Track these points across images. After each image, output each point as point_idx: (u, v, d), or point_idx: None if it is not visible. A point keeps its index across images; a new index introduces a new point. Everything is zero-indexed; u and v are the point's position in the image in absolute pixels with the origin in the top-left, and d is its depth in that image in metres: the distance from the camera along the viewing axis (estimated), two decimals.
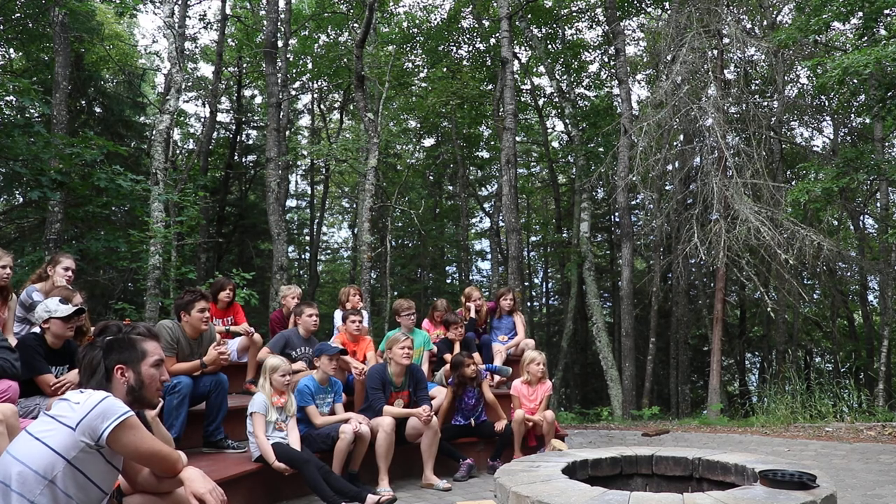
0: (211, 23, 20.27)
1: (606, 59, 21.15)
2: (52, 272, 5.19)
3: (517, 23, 17.69)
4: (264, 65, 15.42)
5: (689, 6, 13.12)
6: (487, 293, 17.24)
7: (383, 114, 17.45)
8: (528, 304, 25.39)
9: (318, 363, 5.32)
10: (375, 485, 5.09)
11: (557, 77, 20.16)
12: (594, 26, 20.98)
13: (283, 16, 16.48)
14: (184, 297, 5.10)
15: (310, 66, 22.13)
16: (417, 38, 21.01)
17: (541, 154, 25.93)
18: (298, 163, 24.08)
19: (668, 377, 19.63)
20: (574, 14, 20.67)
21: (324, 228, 29.25)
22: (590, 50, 21.42)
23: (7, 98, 12.37)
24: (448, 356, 6.93)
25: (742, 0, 14.66)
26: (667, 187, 17.56)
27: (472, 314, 7.62)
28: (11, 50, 17.15)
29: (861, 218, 18.87)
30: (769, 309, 12.71)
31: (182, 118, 22.91)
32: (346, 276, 28.11)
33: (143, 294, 12.37)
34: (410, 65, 21.42)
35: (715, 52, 13.23)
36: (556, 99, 20.99)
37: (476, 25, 20.80)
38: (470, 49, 21.40)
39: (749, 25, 15.40)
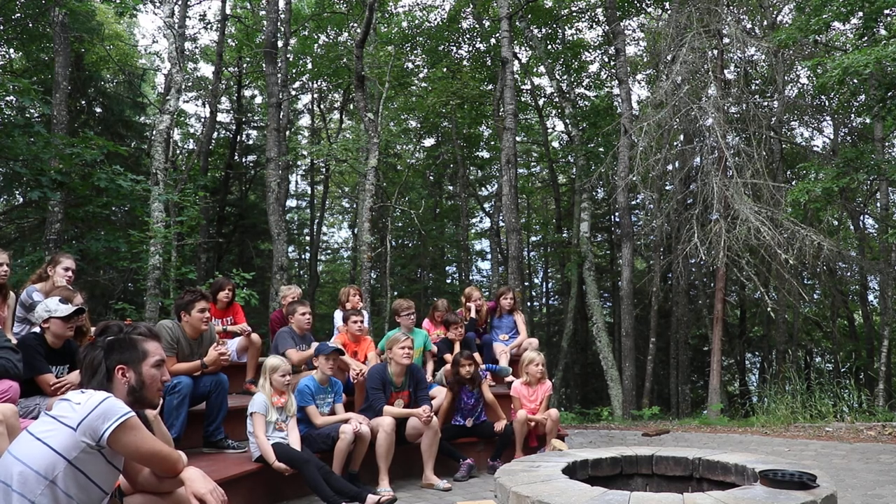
0: (211, 23, 20.28)
1: (606, 59, 21.16)
2: (52, 272, 5.19)
3: (517, 23, 17.69)
4: (264, 65, 15.42)
5: (689, 6, 13.12)
6: (487, 293, 17.24)
7: (383, 114, 17.45)
8: (528, 304, 25.39)
9: (316, 363, 5.32)
10: (376, 485, 5.09)
11: (557, 77, 20.16)
12: (594, 26, 21.00)
13: (283, 16, 16.47)
14: (184, 298, 5.10)
15: (310, 66, 22.13)
16: (417, 38, 21.01)
17: (541, 154, 25.93)
18: (298, 163, 24.08)
19: (669, 377, 19.63)
20: (574, 14, 20.67)
21: (324, 228, 29.26)
22: (590, 50, 21.43)
23: (7, 98, 12.38)
24: (448, 356, 6.93)
25: (742, 0, 14.66)
26: (667, 187, 17.56)
27: (473, 314, 7.62)
28: (11, 50, 17.15)
29: (861, 218, 18.87)
30: (769, 309, 12.71)
31: (182, 118, 22.91)
32: (346, 276, 28.11)
33: (143, 294, 12.37)
34: (410, 65, 21.43)
35: (715, 52, 13.23)
36: (556, 99, 20.99)
37: (476, 25, 20.80)
38: (470, 49, 21.42)
39: (749, 25, 15.41)
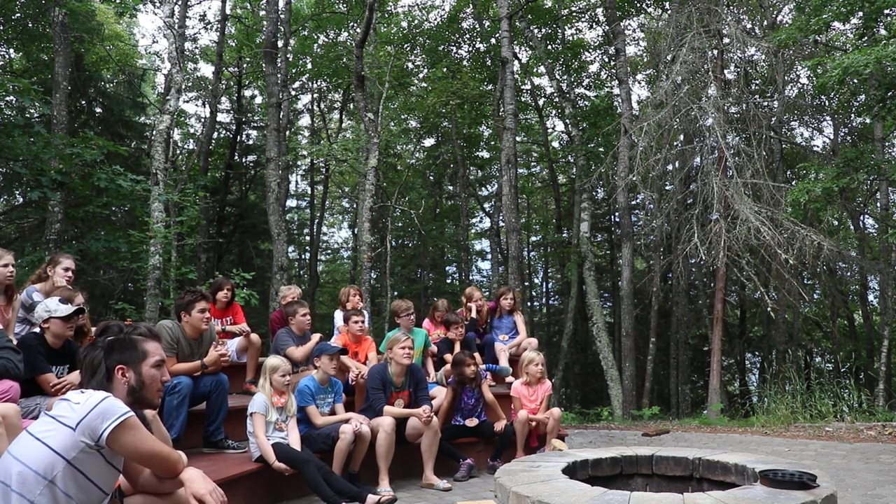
0: (211, 23, 20.28)
1: (606, 59, 21.16)
2: (51, 272, 5.18)
3: (517, 23, 17.68)
4: (264, 65, 15.42)
5: (689, 6, 13.12)
6: (487, 293, 17.24)
7: (383, 114, 17.44)
8: (528, 304, 25.39)
9: (318, 363, 5.32)
10: (376, 485, 5.09)
11: (557, 77, 20.16)
12: (594, 26, 21.00)
13: (282, 16, 16.47)
14: (184, 298, 5.10)
15: (309, 66, 22.13)
16: (417, 38, 21.02)
17: (541, 154, 25.93)
18: (298, 163, 24.08)
19: (669, 377, 19.63)
20: (574, 14, 20.67)
21: (324, 228, 29.26)
22: (590, 50, 21.43)
23: (7, 98, 12.37)
24: (448, 356, 6.93)
25: (742, 0, 14.66)
26: (667, 187, 17.56)
27: (473, 314, 7.62)
28: (11, 50, 17.14)
29: (861, 218, 18.87)
30: (769, 309, 12.71)
31: (182, 118, 22.91)
32: (346, 276, 28.11)
33: (143, 294, 12.37)
34: (410, 65, 21.42)
35: (715, 52, 13.23)
36: (556, 99, 20.99)
37: (476, 25, 20.80)
38: (470, 49, 21.42)
39: (749, 25, 15.41)
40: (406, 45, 20.61)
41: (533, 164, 28.21)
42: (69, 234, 13.88)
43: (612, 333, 18.76)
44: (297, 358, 5.82)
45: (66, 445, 2.08)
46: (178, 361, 4.91)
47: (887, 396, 13.13)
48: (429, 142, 24.80)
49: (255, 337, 6.29)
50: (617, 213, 20.51)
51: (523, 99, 21.83)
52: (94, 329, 3.38)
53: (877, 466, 5.97)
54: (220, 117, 22.60)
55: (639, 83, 22.49)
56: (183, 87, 15.67)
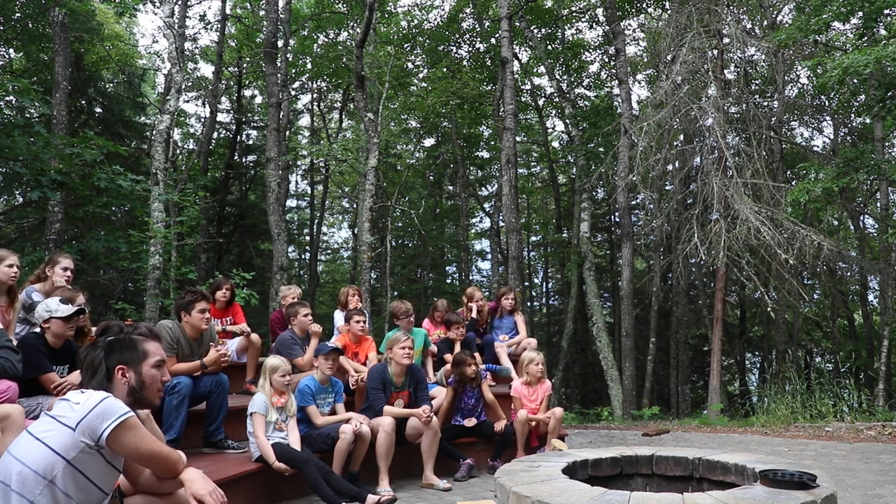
0: (211, 23, 20.28)
1: (606, 59, 21.16)
2: (50, 272, 5.17)
3: (517, 23, 17.68)
4: (264, 65, 15.42)
5: (689, 6, 13.12)
6: (488, 293, 17.24)
7: (383, 114, 17.44)
8: (528, 304, 25.38)
9: (316, 364, 5.32)
10: (376, 485, 5.09)
11: (557, 77, 20.16)
12: (594, 26, 20.99)
13: (282, 16, 16.47)
14: (184, 298, 5.10)
15: (309, 66, 22.13)
16: (417, 38, 21.01)
17: (541, 154, 25.93)
18: (298, 163, 24.08)
19: (669, 377, 19.63)
20: (574, 14, 20.67)
21: (324, 228, 29.26)
22: (590, 50, 21.43)
23: (7, 98, 12.38)
24: (448, 356, 6.93)
25: (742, 0, 14.66)
26: (667, 187, 17.55)
27: (474, 314, 7.63)
28: (11, 50, 17.14)
29: (861, 218, 18.87)
30: (769, 309, 12.71)
31: (182, 118, 22.90)
32: (346, 276, 28.10)
33: (143, 294, 12.37)
34: (410, 65, 21.42)
35: (715, 52, 13.23)
36: (556, 99, 20.99)
37: (476, 25, 20.80)
38: (470, 49, 21.42)
39: (749, 25, 15.41)
40: (406, 45, 20.61)
41: (533, 164, 28.21)
42: (69, 234, 13.87)
43: (612, 333, 18.75)
44: (304, 366, 5.82)
45: (66, 445, 2.08)
46: (178, 361, 4.91)
47: (887, 396, 13.12)
48: (429, 142, 24.81)
49: (255, 337, 6.29)
50: (617, 213, 20.52)
51: (523, 99, 21.83)
52: (94, 329, 3.38)
53: (877, 466, 5.97)
54: (220, 117, 22.62)
55: (639, 83, 22.53)
56: (183, 87, 15.68)
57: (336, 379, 5.49)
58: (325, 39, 21.92)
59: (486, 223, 27.39)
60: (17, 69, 16.87)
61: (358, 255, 16.32)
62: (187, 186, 14.03)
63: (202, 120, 23.13)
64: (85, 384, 2.34)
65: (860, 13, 10.07)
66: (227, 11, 19.77)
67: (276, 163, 13.85)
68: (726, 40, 13.46)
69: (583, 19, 21.02)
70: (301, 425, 5.05)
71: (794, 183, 14.23)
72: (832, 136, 18.67)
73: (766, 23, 15.82)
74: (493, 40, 19.26)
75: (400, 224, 24.76)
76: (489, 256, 27.13)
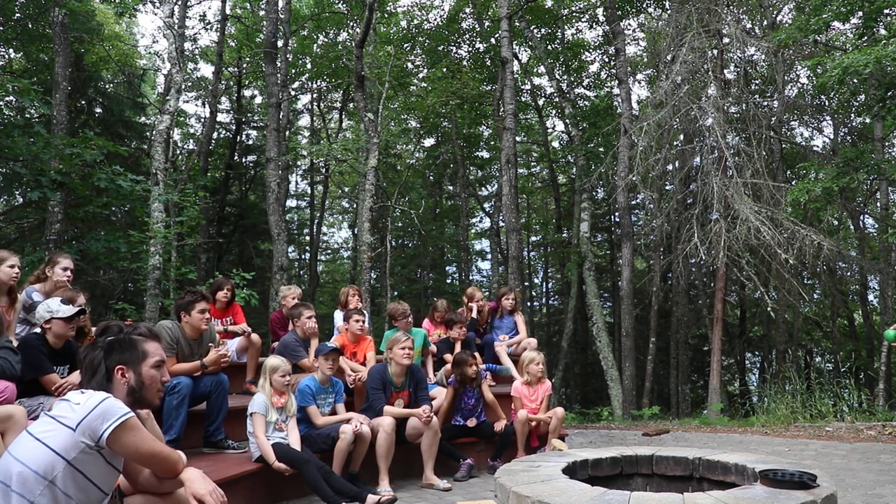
0: (211, 23, 20.28)
1: (606, 59, 21.16)
2: (50, 273, 5.17)
3: (517, 23, 17.68)
4: (264, 65, 15.42)
5: (689, 6, 13.12)
6: (488, 293, 17.24)
7: (383, 114, 17.44)
8: (528, 304, 25.38)
9: (316, 364, 5.33)
10: (376, 485, 5.09)
11: (557, 77, 20.16)
12: (594, 26, 21.00)
13: (282, 16, 16.47)
14: (184, 298, 5.10)
15: (309, 66, 22.13)
16: (417, 38, 21.01)
17: (541, 154, 25.93)
18: (298, 163, 24.07)
19: (669, 377, 19.63)
20: (574, 14, 20.67)
21: (324, 228, 29.25)
22: (590, 50, 21.43)
23: (7, 98, 12.38)
24: (448, 356, 6.93)
25: (742, 0, 14.66)
26: (667, 187, 17.56)
27: (474, 314, 7.63)
28: (11, 50, 17.14)
29: (861, 218, 18.87)
30: (769, 309, 12.70)
31: (182, 118, 22.91)
32: (346, 276, 28.10)
33: (143, 294, 12.37)
34: (410, 65, 21.42)
35: (715, 52, 13.23)
36: (556, 99, 20.99)
37: (476, 25, 20.79)
38: (470, 49, 21.42)
39: (749, 25, 15.40)
40: (406, 45, 20.61)
41: (533, 164, 28.21)
42: (69, 234, 13.87)
43: (612, 333, 18.76)
44: (310, 367, 5.81)
45: (67, 446, 2.08)
46: (178, 361, 4.91)
47: (887, 396, 13.13)
48: (429, 142, 24.81)
49: (255, 337, 6.29)
50: (617, 213, 20.52)
51: (523, 99, 21.83)
52: (94, 329, 3.38)
53: (877, 466, 5.97)
54: (220, 117, 22.63)
55: (639, 83, 22.53)
56: (183, 87, 15.69)
57: (336, 379, 5.49)
58: (325, 39, 21.93)
59: (486, 223, 27.39)
60: (17, 69, 16.87)
61: (358, 255, 16.32)
62: (187, 186, 14.03)
63: (202, 120, 23.15)
64: (84, 384, 2.34)
65: (860, 13, 10.08)
66: (227, 11, 19.76)
67: (276, 163, 13.85)
68: (726, 40, 13.46)
69: (583, 19, 21.03)
70: (301, 425, 5.05)
71: (794, 183, 14.23)
72: (832, 136, 18.69)
73: (766, 23, 15.82)
74: (493, 40, 19.26)
75: (400, 224, 24.76)
76: (489, 256, 27.15)
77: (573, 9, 20.46)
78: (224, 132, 23.59)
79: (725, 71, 14.11)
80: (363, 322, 6.47)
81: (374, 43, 18.62)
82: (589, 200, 17.51)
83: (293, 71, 21.00)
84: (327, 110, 25.55)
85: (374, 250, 15.00)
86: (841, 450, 6.89)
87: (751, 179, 12.09)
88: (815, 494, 2.94)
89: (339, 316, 7.26)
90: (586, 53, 21.37)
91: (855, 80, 12.16)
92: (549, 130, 24.34)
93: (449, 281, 27.84)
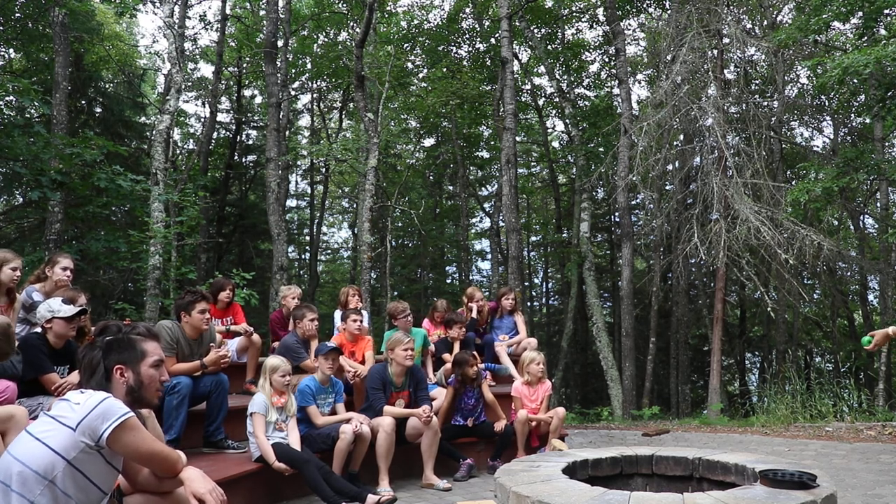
0: (211, 23, 20.28)
1: (606, 59, 21.17)
2: (49, 272, 5.17)
3: (517, 23, 17.68)
4: (264, 65, 15.41)
5: (689, 6, 13.12)
6: (487, 293, 17.24)
7: (383, 114, 17.44)
8: (528, 304, 25.38)
9: (316, 364, 5.33)
10: (376, 485, 5.09)
11: (557, 77, 20.16)
12: (594, 26, 21.00)
13: (282, 16, 16.47)
14: (184, 298, 5.09)
15: (309, 66, 22.13)
16: (417, 38, 21.01)
17: (541, 154, 25.93)
18: (298, 163, 24.07)
19: (668, 377, 19.63)
20: (574, 14, 20.68)
21: (324, 228, 29.25)
22: (590, 50, 21.44)
23: (7, 98, 12.37)
24: (447, 356, 6.93)
25: (742, 0, 14.67)
26: (667, 187, 17.56)
27: (474, 314, 7.62)
28: (11, 50, 17.14)
29: (861, 218, 18.87)
30: (769, 309, 12.71)
31: (182, 118, 22.90)
32: (346, 276, 28.10)
33: (143, 294, 12.37)
34: (410, 65, 21.42)
35: (715, 52, 13.23)
36: (556, 99, 20.99)
37: (476, 25, 20.79)
38: (470, 49, 21.41)
39: (749, 25, 15.41)
40: (406, 45, 20.60)
41: (533, 164, 28.21)
42: (69, 234, 13.88)
43: (612, 333, 18.75)
44: (312, 368, 5.81)
45: (67, 446, 2.08)
46: (178, 361, 4.91)
47: (887, 396, 13.13)
48: (429, 142, 24.81)
49: (255, 337, 6.29)
50: (617, 213, 20.51)
51: (523, 99, 21.83)
52: (93, 329, 3.38)
53: (877, 466, 5.97)
54: (220, 117, 22.62)
55: (639, 83, 22.53)
56: (183, 87, 15.67)
57: (336, 379, 5.49)
58: (325, 39, 21.92)
59: (486, 223, 27.39)
60: (17, 69, 16.87)
61: (358, 255, 16.32)
62: (187, 186, 14.03)
63: (202, 120, 23.14)
64: (83, 384, 2.34)
65: (860, 13, 10.08)
66: (227, 11, 19.76)
67: (276, 163, 13.84)
68: (726, 40, 13.46)
69: (583, 19, 21.03)
70: (301, 425, 5.05)
71: (794, 183, 14.23)
72: (832, 136, 18.69)
73: (766, 23, 15.82)
74: (493, 40, 19.26)
75: (400, 224, 24.76)
76: (489, 256, 27.15)
77: (573, 9, 20.46)
78: (224, 132, 23.59)
79: (725, 71, 14.11)
80: (360, 321, 6.48)
81: (374, 43, 18.62)
82: (589, 200, 17.51)
83: (293, 71, 21.00)
84: (327, 110, 25.54)
85: (374, 250, 15.00)
86: (841, 450, 6.89)
87: (751, 179, 12.09)
88: (815, 494, 2.94)
89: (339, 316, 7.26)
90: (586, 53, 21.39)
91: (855, 80, 12.18)
92: (549, 130, 24.34)
93: (449, 281, 27.84)
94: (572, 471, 3.71)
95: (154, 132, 14.20)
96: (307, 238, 27.62)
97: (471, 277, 26.78)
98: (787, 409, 9.48)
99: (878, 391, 13.16)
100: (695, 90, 13.19)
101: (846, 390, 10.58)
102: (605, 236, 25.75)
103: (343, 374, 5.99)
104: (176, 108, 13.42)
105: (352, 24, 20.63)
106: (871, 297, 20.14)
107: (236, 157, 23.03)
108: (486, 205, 27.17)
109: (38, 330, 4.27)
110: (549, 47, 20.49)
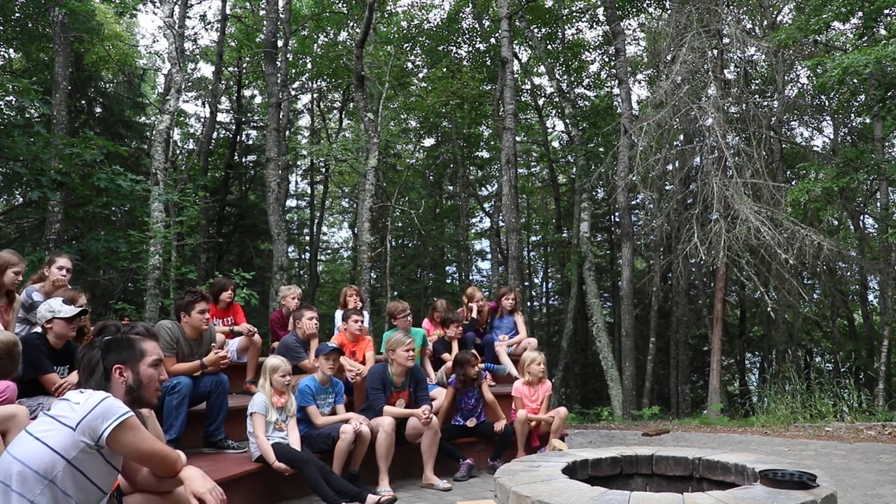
0: (211, 23, 20.28)
1: (606, 59, 21.17)
2: (48, 273, 5.18)
3: (517, 23, 17.68)
4: (264, 65, 15.41)
5: (689, 6, 13.12)
6: (488, 293, 17.24)
7: (383, 114, 17.44)
8: (528, 304, 25.38)
9: (317, 364, 5.33)
10: (376, 485, 5.09)
11: (557, 77, 20.16)
12: (594, 26, 21.02)
13: (282, 16, 16.47)
14: (184, 298, 5.09)
15: (309, 66, 22.13)
16: (417, 38, 21.02)
17: (541, 154, 25.93)
18: (298, 163, 24.07)
19: (668, 377, 19.63)
20: (574, 14, 20.68)
21: (324, 228, 29.25)
22: (590, 50, 21.44)
23: (7, 98, 12.38)
24: (446, 356, 6.93)
25: (742, 0, 14.67)
26: (667, 187, 17.56)
27: (474, 314, 7.62)
28: (11, 50, 17.14)
29: (861, 218, 18.87)
30: (769, 309, 12.70)
31: (182, 118, 22.91)
32: (346, 276, 28.11)
33: (143, 294, 12.38)
34: (410, 65, 21.42)
35: (715, 52, 13.23)
36: (556, 99, 20.99)
37: (476, 25, 20.79)
38: (470, 49, 21.42)
39: (749, 25, 15.41)
40: (406, 45, 20.60)
41: (533, 164, 28.21)
42: (69, 234, 13.88)
43: (612, 333, 18.75)
44: (312, 369, 5.81)
45: (66, 445, 2.08)
46: (178, 361, 4.91)
47: (887, 396, 13.12)
48: (429, 142, 24.81)
49: (256, 337, 6.29)
50: (617, 213, 20.52)
51: (523, 99, 21.83)
52: (92, 329, 3.39)
53: (877, 466, 5.97)
54: (220, 117, 22.61)
55: (639, 83, 22.54)
56: (183, 87, 15.68)
57: (336, 379, 5.49)
58: (325, 39, 21.92)
59: (486, 223, 27.39)
60: (17, 69, 16.87)
61: (358, 255, 16.32)
62: (187, 186, 14.03)
63: (202, 120, 23.15)
64: (83, 384, 2.34)
65: (860, 13, 10.07)
66: (227, 11, 19.76)
67: (276, 163, 13.84)
68: (726, 40, 13.46)
69: (583, 19, 21.04)
70: (301, 425, 5.05)
71: (794, 183, 14.22)
72: (832, 136, 18.69)
73: (766, 23, 15.83)
74: (493, 40, 19.27)
75: (400, 224, 24.76)
76: (489, 256, 27.15)
77: (573, 9, 20.47)
78: (224, 132, 23.59)
79: (725, 71, 14.11)
80: (361, 322, 6.48)
81: (374, 43, 18.62)
82: (589, 200, 17.51)
83: (293, 71, 21.00)
84: (327, 110, 25.54)
85: (374, 250, 15.00)
86: (841, 450, 6.89)
87: (751, 179, 12.09)
88: (815, 494, 2.94)
89: (339, 316, 7.26)
90: (586, 53, 21.39)
91: (855, 80, 12.17)
92: (549, 130, 24.34)
93: (449, 281, 27.84)
94: (572, 471, 3.71)
95: (154, 132, 14.20)
96: (307, 238, 27.63)
97: (471, 277, 26.78)
98: (787, 409, 9.48)
99: (878, 391, 13.15)
100: (695, 90, 13.19)
101: (846, 390, 10.57)
102: (605, 236, 25.75)
103: (344, 374, 5.99)
104: (176, 108, 13.42)
105: (352, 24, 20.63)
106: (871, 297, 20.15)
107: (236, 157, 23.03)
108: (486, 205, 27.17)
109: (38, 330, 4.27)
110: (549, 47, 20.49)
